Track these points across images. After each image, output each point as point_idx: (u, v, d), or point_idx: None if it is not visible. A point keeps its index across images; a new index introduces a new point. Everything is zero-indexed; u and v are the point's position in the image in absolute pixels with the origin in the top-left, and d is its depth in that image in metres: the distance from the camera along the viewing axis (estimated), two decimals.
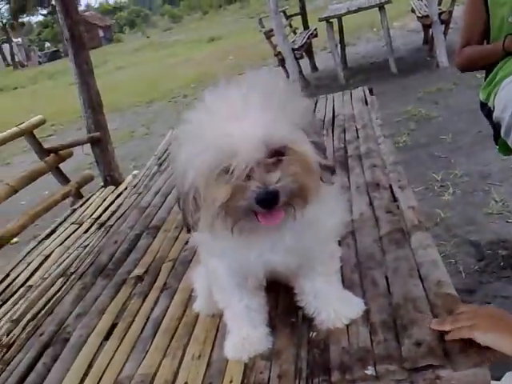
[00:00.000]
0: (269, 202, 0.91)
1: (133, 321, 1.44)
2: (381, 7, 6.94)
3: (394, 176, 1.80)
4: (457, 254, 2.70)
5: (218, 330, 1.28)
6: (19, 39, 44.62)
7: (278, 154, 0.92)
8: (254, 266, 1.10)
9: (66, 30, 3.68)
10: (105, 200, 3.18)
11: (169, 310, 1.43)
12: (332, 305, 1.17)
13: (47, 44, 51.36)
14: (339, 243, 1.28)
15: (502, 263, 2.52)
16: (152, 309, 1.47)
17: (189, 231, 1.07)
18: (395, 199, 1.66)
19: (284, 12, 8.94)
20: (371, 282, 1.28)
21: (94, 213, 2.99)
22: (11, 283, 2.44)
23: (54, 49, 43.51)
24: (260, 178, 0.90)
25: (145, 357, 1.26)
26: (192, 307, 1.39)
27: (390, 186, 1.75)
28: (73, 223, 2.93)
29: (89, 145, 3.97)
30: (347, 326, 1.15)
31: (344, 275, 1.30)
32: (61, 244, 2.66)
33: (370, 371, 1.01)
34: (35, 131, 3.60)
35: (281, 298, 1.30)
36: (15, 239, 3.89)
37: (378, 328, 1.12)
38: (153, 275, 1.66)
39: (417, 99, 5.69)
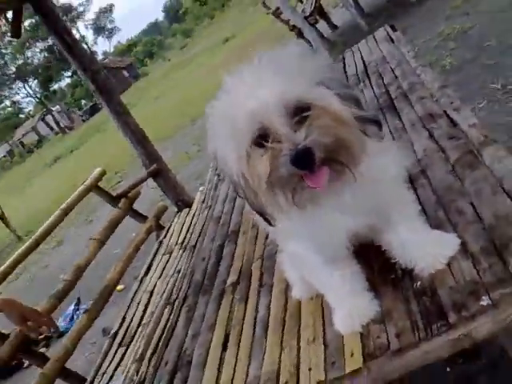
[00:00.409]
0: (303, 160, 0.88)
1: (242, 326, 1.48)
2: None
3: (445, 101, 1.72)
4: None
5: (323, 310, 1.28)
6: (57, 106, 46.94)
7: (302, 112, 0.90)
8: (334, 237, 1.09)
9: (90, 82, 3.80)
10: (183, 224, 3.27)
11: (271, 305, 1.46)
12: (425, 249, 1.13)
13: (83, 101, 53.59)
14: (412, 187, 1.24)
15: None
16: (256, 309, 1.50)
17: (269, 223, 1.05)
18: (454, 123, 1.58)
19: None
20: (458, 213, 1.23)
21: (178, 238, 3.08)
22: (128, 326, 2.57)
23: (91, 103, 45.31)
24: (288, 139, 0.88)
25: (264, 356, 1.29)
26: (292, 296, 1.40)
27: (445, 112, 1.67)
28: (163, 254, 3.04)
29: (151, 179, 4.10)
30: (448, 264, 1.12)
31: (429, 215, 1.26)
32: (160, 277, 2.77)
33: (485, 301, 0.98)
34: (102, 183, 3.78)
35: (374, 260, 1.28)
36: (121, 286, 4.11)
37: (479, 256, 1.07)
38: (246, 278, 1.69)
39: (446, 18, 5.39)
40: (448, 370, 1.81)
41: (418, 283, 1.13)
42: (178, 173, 6.28)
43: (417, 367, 1.03)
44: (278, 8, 7.77)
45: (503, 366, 1.68)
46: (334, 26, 8.64)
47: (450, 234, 1.17)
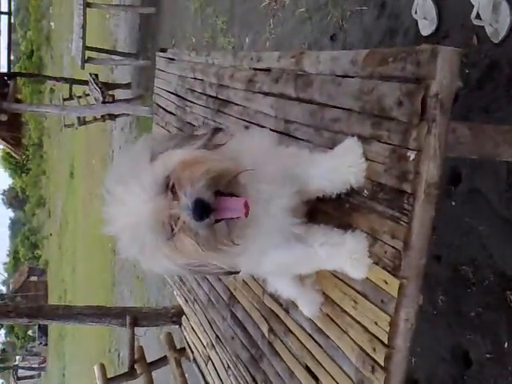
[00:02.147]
0: (201, 210, 0.93)
1: (308, 349, 1.49)
2: None
3: None
4: None
5: (336, 278, 1.33)
6: None
7: (168, 187, 0.95)
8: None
9: None
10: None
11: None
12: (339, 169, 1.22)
13: None
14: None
15: None
16: (302, 328, 1.52)
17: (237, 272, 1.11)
18: None
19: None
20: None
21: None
22: None
23: None
24: (181, 212, 0.93)
25: (342, 351, 1.32)
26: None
27: None
28: None
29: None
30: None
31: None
32: None
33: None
34: None
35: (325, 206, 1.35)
36: None
37: None
38: (273, 317, 1.71)
39: None
40: None
41: (364, 191, 1.20)
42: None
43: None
44: (78, 118, 7.79)
45: None
46: (127, 85, 8.74)
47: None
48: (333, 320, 1.36)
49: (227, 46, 4.60)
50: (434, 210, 1.04)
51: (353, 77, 1.29)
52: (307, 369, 1.51)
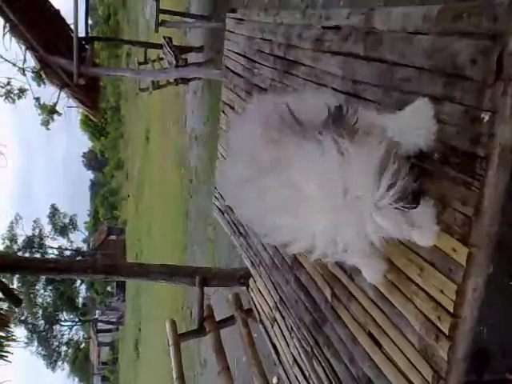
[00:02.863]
0: None
1: (373, 317, 1.48)
2: None
3: None
4: None
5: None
6: None
7: None
8: None
9: None
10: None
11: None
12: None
13: None
14: None
15: None
16: (364, 292, 1.50)
17: None
18: None
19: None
20: None
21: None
22: None
23: None
24: None
25: (406, 318, 1.29)
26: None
27: None
28: None
29: None
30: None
31: None
32: None
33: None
34: None
35: None
36: None
37: None
38: (339, 286, 1.70)
39: None
40: None
41: (435, 155, 1.14)
42: None
43: None
44: (152, 82, 7.97)
45: None
46: (199, 48, 8.80)
47: None
48: (397, 287, 1.33)
49: (300, 5, 4.47)
50: (509, 175, 0.98)
51: (425, 34, 1.21)
52: (370, 335, 1.49)
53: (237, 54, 2.96)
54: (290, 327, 2.26)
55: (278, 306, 2.39)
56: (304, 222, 0.97)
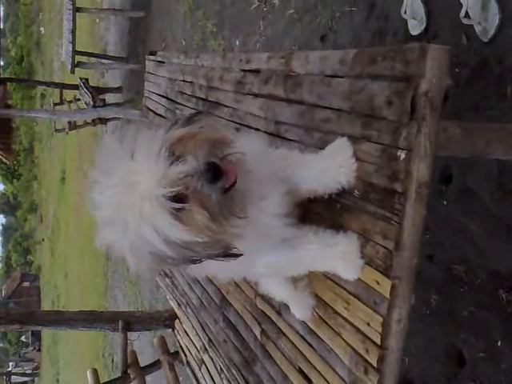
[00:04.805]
0: (214, 173, 0.89)
1: (303, 355, 1.48)
2: None
3: None
4: None
5: (328, 280, 1.32)
6: None
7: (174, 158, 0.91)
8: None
9: None
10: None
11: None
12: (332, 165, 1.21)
13: None
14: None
15: None
16: (292, 329, 1.51)
17: (236, 255, 1.03)
18: None
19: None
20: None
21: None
22: None
23: None
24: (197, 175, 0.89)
25: (335, 353, 1.31)
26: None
27: None
28: None
29: None
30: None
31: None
32: None
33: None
34: None
35: (316, 208, 1.34)
36: None
37: None
38: (266, 320, 1.70)
39: None
40: None
41: (355, 192, 1.19)
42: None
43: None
44: (69, 122, 7.75)
45: None
46: (117, 89, 8.71)
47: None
48: (325, 321, 1.35)
49: (217, 49, 4.59)
50: (426, 209, 1.04)
51: (342, 77, 1.29)
52: (300, 371, 1.50)
53: (158, 95, 2.97)
54: (219, 368, 2.21)
55: (207, 346, 2.33)
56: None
